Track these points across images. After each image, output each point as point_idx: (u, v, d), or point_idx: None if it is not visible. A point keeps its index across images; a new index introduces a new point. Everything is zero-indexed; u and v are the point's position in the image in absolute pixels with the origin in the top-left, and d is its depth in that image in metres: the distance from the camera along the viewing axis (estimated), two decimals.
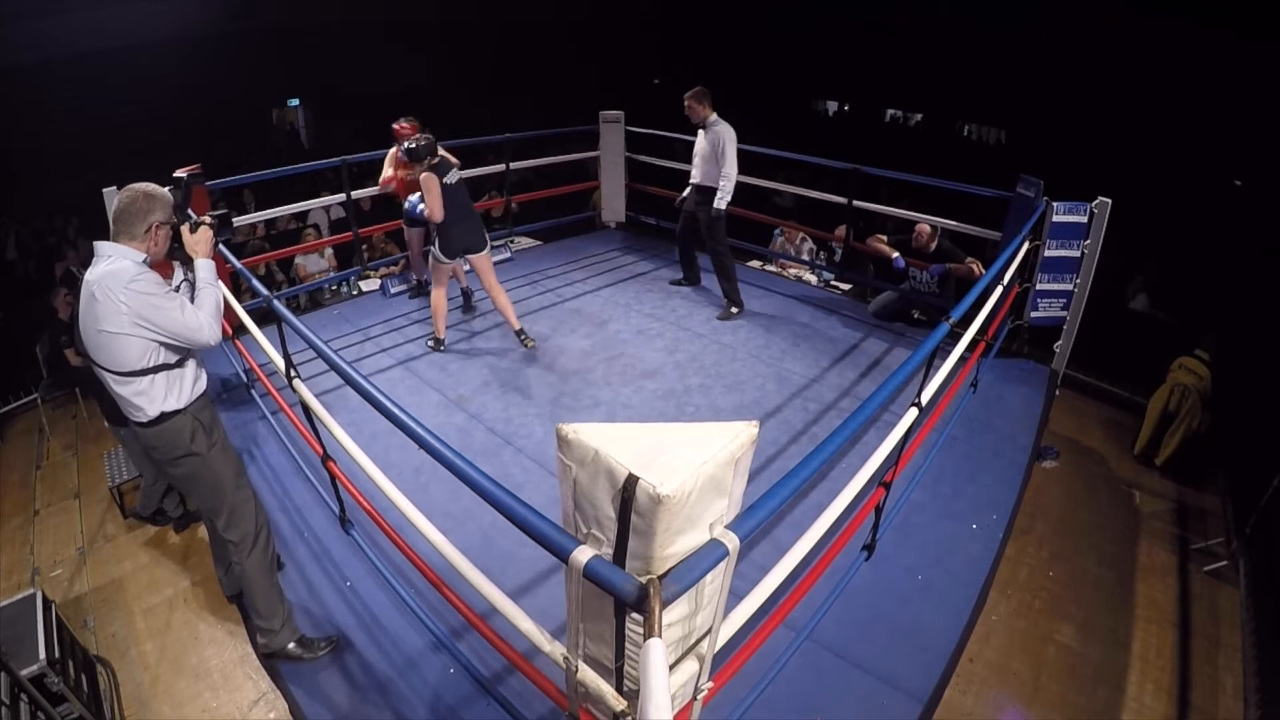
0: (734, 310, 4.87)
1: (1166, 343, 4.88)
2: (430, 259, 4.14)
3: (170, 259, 2.12)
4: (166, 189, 2.05)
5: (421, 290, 5.12)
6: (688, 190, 4.94)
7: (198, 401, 2.10)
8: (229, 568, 2.57)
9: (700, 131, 4.60)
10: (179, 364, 2.02)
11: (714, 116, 4.52)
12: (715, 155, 4.50)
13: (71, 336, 5.02)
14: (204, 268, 2.12)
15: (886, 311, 4.86)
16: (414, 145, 3.81)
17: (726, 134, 4.47)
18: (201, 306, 2.03)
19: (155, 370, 1.96)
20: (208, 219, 2.17)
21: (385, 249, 6.47)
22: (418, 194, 4.08)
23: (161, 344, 1.95)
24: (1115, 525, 3.90)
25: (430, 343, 4.37)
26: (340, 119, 12.01)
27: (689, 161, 6.11)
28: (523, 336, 4.30)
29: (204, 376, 2.16)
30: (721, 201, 4.54)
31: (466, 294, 4.95)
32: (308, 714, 2.17)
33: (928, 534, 2.86)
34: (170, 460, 2.09)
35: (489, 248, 4.14)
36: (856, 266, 5.64)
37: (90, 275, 1.88)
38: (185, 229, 2.10)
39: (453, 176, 3.93)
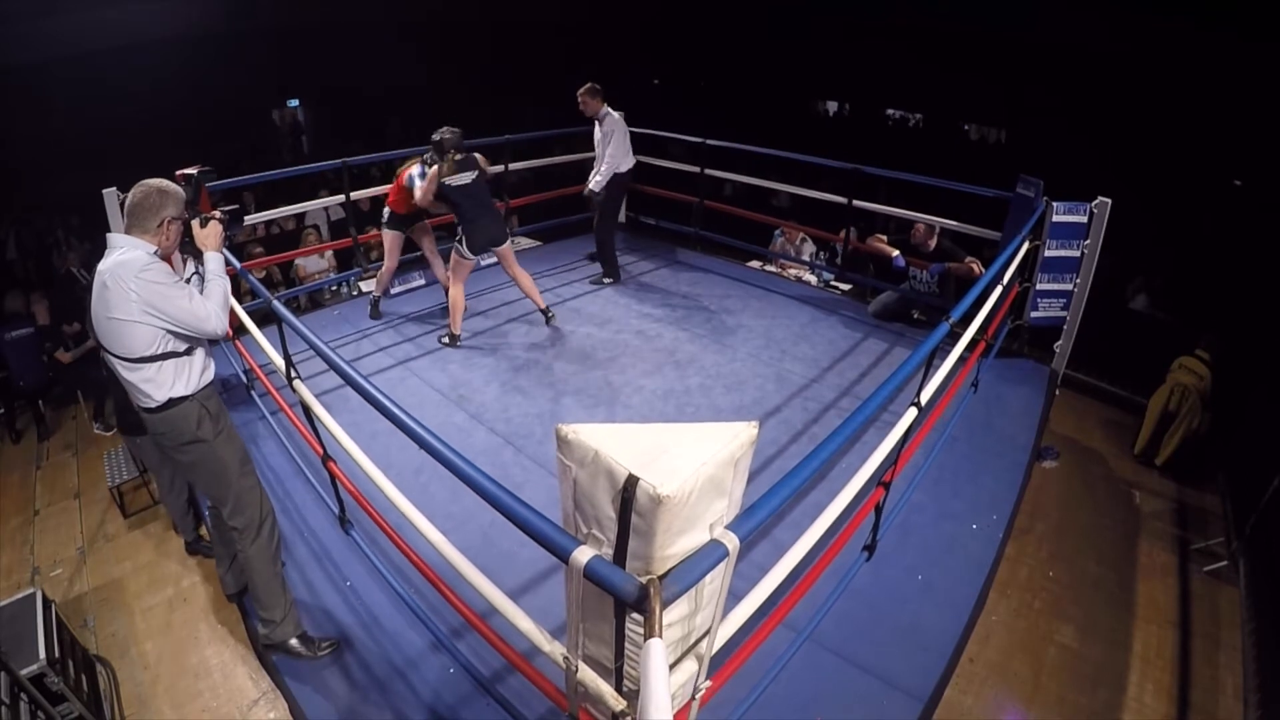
0: (606, 280, 5.24)
1: (1166, 343, 4.88)
2: (454, 256, 4.22)
3: (181, 253, 2.18)
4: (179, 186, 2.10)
5: (376, 309, 4.83)
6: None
7: (205, 389, 2.14)
8: (230, 565, 2.58)
9: (596, 125, 4.86)
10: (187, 352, 2.07)
11: (605, 109, 4.76)
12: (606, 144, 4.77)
13: (56, 340, 5.09)
14: (214, 261, 2.18)
15: (887, 311, 4.86)
16: (437, 138, 4.03)
17: (615, 125, 4.74)
18: (210, 297, 2.09)
19: (163, 357, 2.00)
20: (218, 214, 2.23)
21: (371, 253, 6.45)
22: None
23: (170, 332, 1.99)
24: (1115, 525, 3.91)
25: (444, 339, 4.38)
26: (340, 119, 12.00)
27: (688, 161, 6.13)
28: (548, 315, 4.61)
29: (212, 366, 2.20)
30: (594, 182, 4.86)
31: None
32: (308, 713, 2.17)
33: (928, 534, 2.86)
34: (177, 446, 2.14)
35: (510, 240, 4.39)
36: (856, 266, 5.64)
37: (102, 266, 1.93)
38: (195, 224, 2.16)
39: (466, 177, 4.07)
